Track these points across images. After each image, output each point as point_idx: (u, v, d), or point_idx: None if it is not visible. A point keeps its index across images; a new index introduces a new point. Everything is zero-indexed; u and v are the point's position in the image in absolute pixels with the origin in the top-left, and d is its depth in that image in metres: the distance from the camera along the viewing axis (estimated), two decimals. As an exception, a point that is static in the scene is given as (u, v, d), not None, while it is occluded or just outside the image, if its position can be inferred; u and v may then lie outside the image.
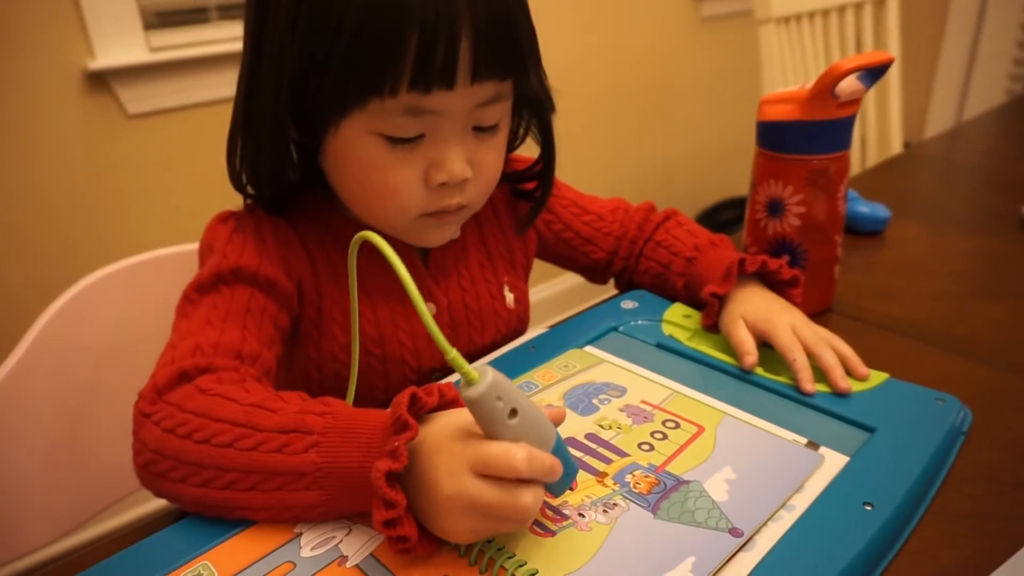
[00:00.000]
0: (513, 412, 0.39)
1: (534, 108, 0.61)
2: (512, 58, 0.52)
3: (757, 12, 1.37)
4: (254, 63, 0.53)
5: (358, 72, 0.48)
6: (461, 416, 0.43)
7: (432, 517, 0.41)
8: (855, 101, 0.64)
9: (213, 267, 0.54)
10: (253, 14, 0.52)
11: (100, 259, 0.80)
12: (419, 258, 0.63)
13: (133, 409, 0.48)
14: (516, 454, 0.39)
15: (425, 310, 0.38)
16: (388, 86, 0.48)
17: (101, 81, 1.27)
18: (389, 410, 0.42)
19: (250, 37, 0.53)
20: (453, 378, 0.61)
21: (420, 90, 0.49)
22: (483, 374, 0.38)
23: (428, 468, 0.41)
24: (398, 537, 0.40)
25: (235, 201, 0.60)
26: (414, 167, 0.53)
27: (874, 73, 0.64)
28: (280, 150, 0.54)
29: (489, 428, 0.40)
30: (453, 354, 0.38)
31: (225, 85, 1.39)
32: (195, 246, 0.78)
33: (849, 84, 0.63)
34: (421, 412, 0.42)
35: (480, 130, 0.54)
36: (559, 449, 0.43)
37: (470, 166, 0.54)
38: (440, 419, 0.43)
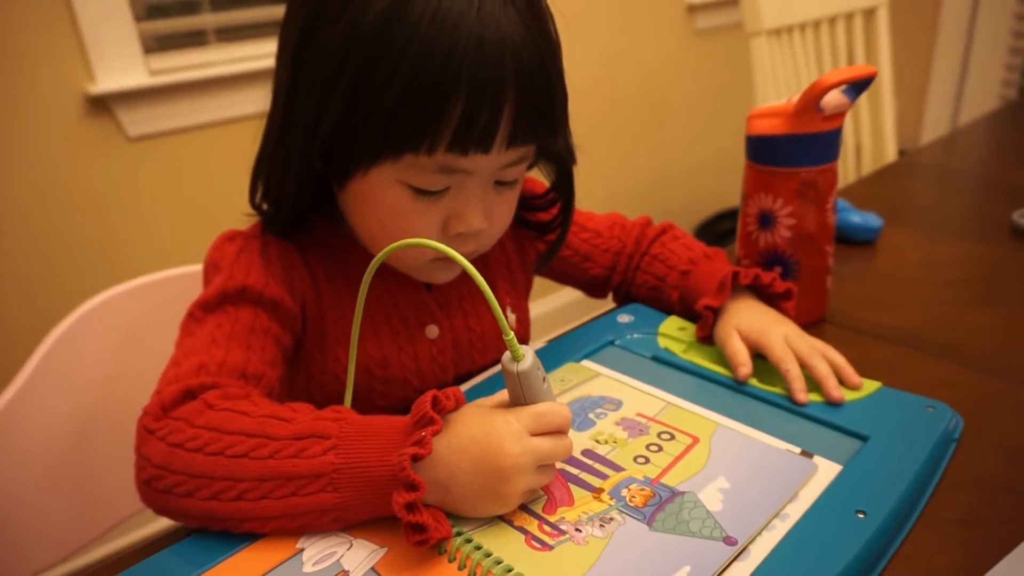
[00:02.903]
0: (544, 379, 0.47)
1: (555, 159, 0.62)
2: (547, 124, 0.53)
3: (747, 24, 1.39)
4: (290, 97, 0.53)
5: (398, 128, 0.49)
6: (480, 404, 0.48)
7: (488, 488, 0.44)
8: (841, 114, 0.65)
9: (219, 286, 0.55)
10: (293, 48, 0.52)
11: (101, 281, 0.81)
12: (423, 285, 0.64)
13: (136, 426, 0.48)
14: (562, 407, 0.47)
15: (492, 296, 0.44)
16: (426, 145, 0.49)
17: (102, 104, 1.29)
18: (410, 411, 0.45)
19: (287, 70, 0.53)
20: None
21: (457, 152, 0.49)
22: (525, 351, 0.46)
23: (490, 443, 0.44)
24: (416, 525, 0.41)
25: (235, 222, 0.61)
26: (434, 216, 0.54)
27: (858, 87, 0.65)
28: (305, 182, 0.55)
29: (532, 394, 0.47)
30: (511, 336, 0.45)
31: (224, 107, 1.40)
32: (197, 267, 0.78)
33: (834, 98, 0.64)
34: (442, 412, 0.45)
35: (500, 183, 0.56)
36: None
37: (487, 217, 0.55)
38: (460, 412, 0.47)
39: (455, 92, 0.47)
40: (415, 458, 0.42)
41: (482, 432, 0.45)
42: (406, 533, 0.42)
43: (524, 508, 0.47)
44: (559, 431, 0.47)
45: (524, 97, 0.49)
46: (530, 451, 0.44)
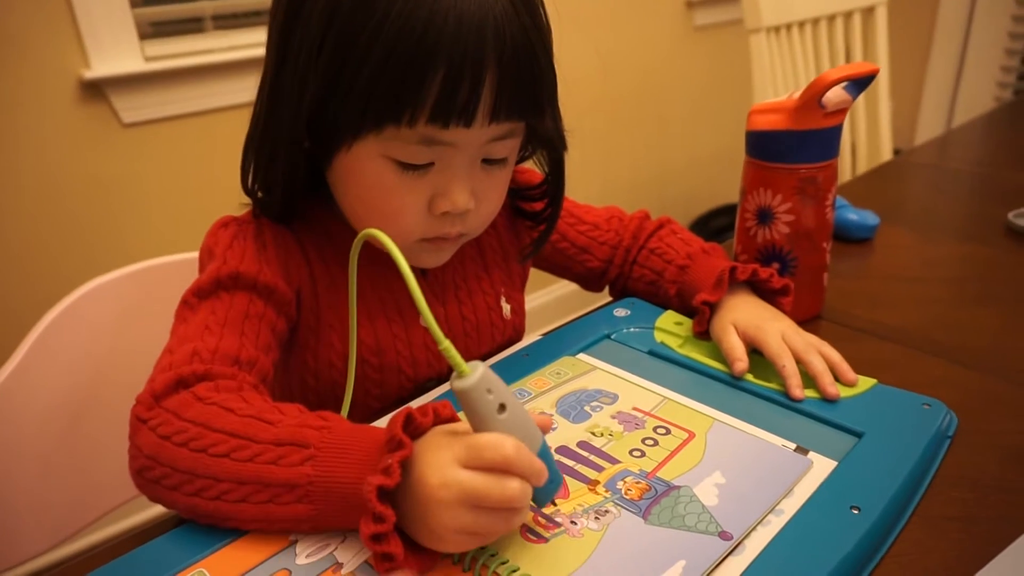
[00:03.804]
0: (502, 407, 0.40)
1: (545, 144, 0.62)
2: (531, 102, 0.52)
3: (747, 21, 1.39)
4: (277, 75, 0.53)
5: (379, 100, 0.49)
6: (453, 424, 0.44)
7: (421, 519, 0.40)
8: (842, 111, 0.65)
9: (213, 272, 0.55)
10: (280, 26, 0.53)
11: (94, 267, 0.80)
12: (417, 270, 0.64)
13: (130, 414, 0.48)
14: (505, 442, 0.40)
15: (422, 300, 0.40)
16: (407, 117, 0.49)
17: (96, 90, 1.28)
18: (385, 427, 0.42)
19: (274, 49, 0.54)
20: (445, 388, 0.62)
21: (438, 124, 0.49)
22: (474, 367, 0.40)
23: (416, 469, 0.41)
24: (383, 554, 0.39)
25: (229, 209, 0.61)
26: (420, 193, 0.54)
27: (860, 83, 0.65)
28: (294, 162, 0.55)
29: (478, 421, 0.41)
30: (446, 344, 0.40)
31: (220, 95, 1.39)
32: (191, 255, 0.78)
33: (836, 94, 0.64)
34: (416, 432, 0.43)
35: (488, 162, 0.55)
36: (545, 455, 0.43)
37: (474, 197, 0.55)
38: (432, 431, 0.43)
39: (433, 65, 0.47)
40: (382, 488, 0.39)
41: (419, 458, 0.41)
42: (375, 559, 0.40)
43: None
44: (498, 469, 0.40)
45: (506, 72, 0.49)
46: (453, 485, 0.39)
